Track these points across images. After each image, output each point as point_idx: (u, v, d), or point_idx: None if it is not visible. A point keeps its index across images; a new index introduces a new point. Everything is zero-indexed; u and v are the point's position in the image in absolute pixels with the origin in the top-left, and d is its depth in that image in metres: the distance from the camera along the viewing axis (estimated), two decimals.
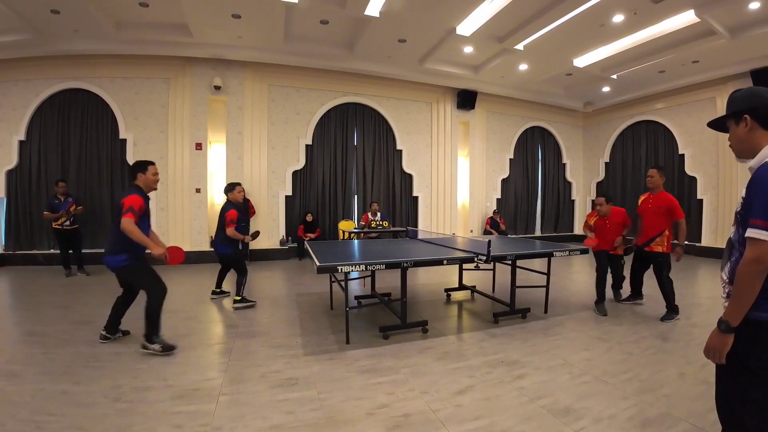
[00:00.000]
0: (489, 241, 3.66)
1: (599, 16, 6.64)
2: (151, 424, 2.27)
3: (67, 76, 7.74)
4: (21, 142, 7.70)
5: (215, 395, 2.61)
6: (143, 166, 3.54)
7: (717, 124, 1.68)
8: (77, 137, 7.93)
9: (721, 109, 8.99)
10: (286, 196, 8.89)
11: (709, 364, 3.22)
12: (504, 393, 2.71)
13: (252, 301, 4.94)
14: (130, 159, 7.98)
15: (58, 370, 2.97)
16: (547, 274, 4.69)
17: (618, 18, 6.70)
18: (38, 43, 7.14)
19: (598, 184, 12.14)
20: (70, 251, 6.94)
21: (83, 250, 7.15)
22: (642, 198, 4.84)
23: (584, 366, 3.16)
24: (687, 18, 6.59)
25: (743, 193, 1.49)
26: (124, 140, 7.99)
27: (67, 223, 6.79)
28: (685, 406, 2.56)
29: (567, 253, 4.36)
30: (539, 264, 5.74)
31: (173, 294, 4.63)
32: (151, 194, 8.04)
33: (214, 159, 8.39)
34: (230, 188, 5.06)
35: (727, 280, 1.59)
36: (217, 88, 8.02)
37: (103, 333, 3.58)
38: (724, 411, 1.68)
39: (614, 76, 9.23)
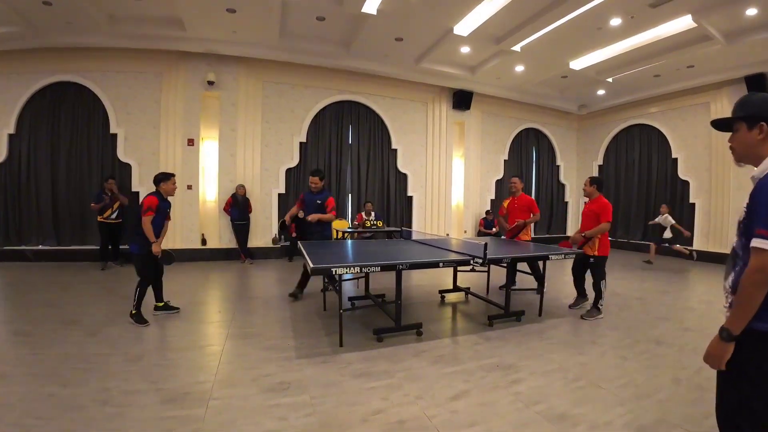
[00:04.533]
0: (485, 244, 3.63)
1: (597, 20, 6.65)
2: (140, 429, 2.21)
3: (58, 69, 7.57)
4: (11, 136, 7.53)
5: (206, 399, 2.55)
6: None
7: (721, 124, 1.64)
8: (68, 131, 7.77)
9: (715, 114, 9.06)
10: (279, 194, 8.80)
11: (704, 370, 3.27)
12: (499, 398, 2.68)
13: (146, 322, 4.04)
14: (121, 154, 7.86)
15: (45, 372, 2.89)
16: (542, 277, 4.69)
17: (615, 21, 6.71)
18: (30, 36, 6.98)
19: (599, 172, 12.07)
20: (110, 246, 7.22)
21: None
22: (507, 201, 6.04)
23: (579, 371, 3.15)
24: (684, 23, 6.61)
25: (746, 201, 1.48)
26: (115, 135, 7.85)
27: (113, 216, 7.08)
28: (680, 412, 2.56)
29: (563, 256, 4.35)
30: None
31: (164, 295, 4.57)
32: (141, 191, 8.03)
33: (207, 155, 8.26)
34: (165, 178, 4.36)
35: (730, 290, 1.56)
36: (211, 83, 7.90)
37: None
38: (724, 420, 1.67)
39: (610, 80, 9.27)
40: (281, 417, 2.37)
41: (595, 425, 2.38)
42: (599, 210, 4.60)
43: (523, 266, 5.65)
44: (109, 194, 7.04)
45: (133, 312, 4.09)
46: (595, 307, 4.62)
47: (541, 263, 5.20)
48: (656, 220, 8.79)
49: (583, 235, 4.58)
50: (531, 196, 11.93)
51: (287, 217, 5.21)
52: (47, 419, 2.28)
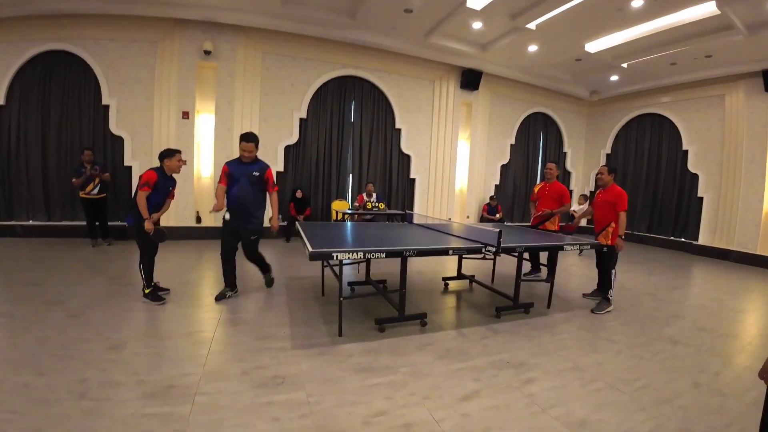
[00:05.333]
0: (500, 231, 3.38)
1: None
2: (117, 428, 1.98)
3: (50, 37, 7.14)
4: (0, 107, 7.16)
5: (191, 395, 2.32)
6: None
7: None
8: (58, 102, 7.38)
9: (729, 107, 8.76)
10: (278, 172, 8.48)
11: (723, 373, 3.08)
12: (513, 401, 2.48)
13: (162, 299, 3.99)
14: (113, 126, 7.49)
15: (22, 359, 2.67)
16: (553, 268, 4.48)
17: (637, 3, 6.34)
18: (21, 2, 6.55)
19: (607, 156, 11.78)
20: (97, 222, 6.90)
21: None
22: (538, 186, 5.75)
23: (595, 371, 2.95)
24: (707, 9, 6.27)
25: None
26: (107, 106, 7.47)
27: (95, 191, 6.71)
28: (703, 420, 2.39)
29: (578, 247, 4.12)
30: (540, 256, 5.53)
31: (154, 276, 4.31)
32: (134, 166, 7.70)
33: (202, 129, 7.90)
34: (169, 154, 4.01)
35: None
36: (207, 53, 7.47)
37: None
38: None
39: (625, 65, 8.88)
40: (274, 418, 2.15)
41: None
42: (615, 199, 4.38)
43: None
44: (87, 167, 6.64)
45: (146, 292, 3.96)
46: (605, 299, 4.47)
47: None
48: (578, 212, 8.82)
49: (620, 236, 4.35)
50: (537, 183, 11.71)
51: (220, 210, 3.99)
52: (19, 413, 2.06)
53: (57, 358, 2.68)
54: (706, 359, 3.29)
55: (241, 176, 4.01)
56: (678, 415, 2.42)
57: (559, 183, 5.58)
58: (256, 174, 4.03)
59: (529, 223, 5.85)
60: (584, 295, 4.98)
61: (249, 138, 3.98)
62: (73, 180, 6.61)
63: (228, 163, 4.08)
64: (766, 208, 8.13)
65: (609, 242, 4.38)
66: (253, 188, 4.03)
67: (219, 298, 4.15)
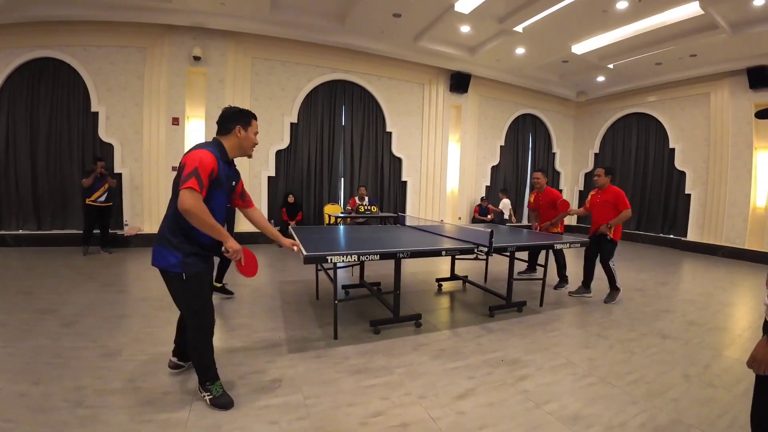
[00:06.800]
0: (491, 232, 3.43)
1: (603, 1, 6.40)
2: None
3: (38, 44, 7.08)
4: None
5: (188, 400, 2.32)
6: None
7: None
8: (47, 110, 7.31)
9: (715, 105, 8.94)
10: (269, 177, 8.49)
11: (713, 366, 3.14)
12: (508, 397, 2.51)
13: (230, 293, 4.51)
14: (102, 133, 7.44)
15: (16, 368, 2.64)
16: (545, 267, 4.54)
17: (622, 5, 6.48)
18: (8, 9, 6.50)
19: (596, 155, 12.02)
20: (96, 230, 6.84)
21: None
22: (533, 195, 5.82)
23: (588, 366, 3.00)
24: (691, 9, 6.42)
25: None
26: (96, 113, 7.41)
27: (102, 198, 6.70)
28: (694, 411, 2.43)
29: (567, 245, 4.18)
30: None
31: (146, 282, 4.30)
32: (124, 173, 7.63)
33: (192, 135, 7.86)
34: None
35: None
36: (197, 59, 7.47)
37: (173, 360, 2.66)
38: (759, 427, 1.53)
39: (611, 66, 9.04)
40: (272, 421, 2.15)
41: (610, 426, 2.24)
42: (614, 200, 4.66)
43: (521, 254, 5.52)
44: (98, 176, 6.63)
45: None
46: (614, 289, 4.77)
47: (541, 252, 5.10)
48: (500, 207, 10.13)
49: (608, 226, 4.65)
50: (526, 183, 11.83)
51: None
52: (15, 422, 2.05)
53: (52, 366, 2.66)
54: (696, 352, 3.35)
55: (225, 182, 2.40)
56: (669, 407, 2.46)
57: (551, 189, 5.66)
58: (234, 184, 2.58)
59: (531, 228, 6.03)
60: (570, 294, 5.07)
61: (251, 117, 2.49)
62: (83, 180, 6.56)
63: (214, 153, 2.26)
64: (753, 204, 8.30)
65: (611, 236, 4.69)
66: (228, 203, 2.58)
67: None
